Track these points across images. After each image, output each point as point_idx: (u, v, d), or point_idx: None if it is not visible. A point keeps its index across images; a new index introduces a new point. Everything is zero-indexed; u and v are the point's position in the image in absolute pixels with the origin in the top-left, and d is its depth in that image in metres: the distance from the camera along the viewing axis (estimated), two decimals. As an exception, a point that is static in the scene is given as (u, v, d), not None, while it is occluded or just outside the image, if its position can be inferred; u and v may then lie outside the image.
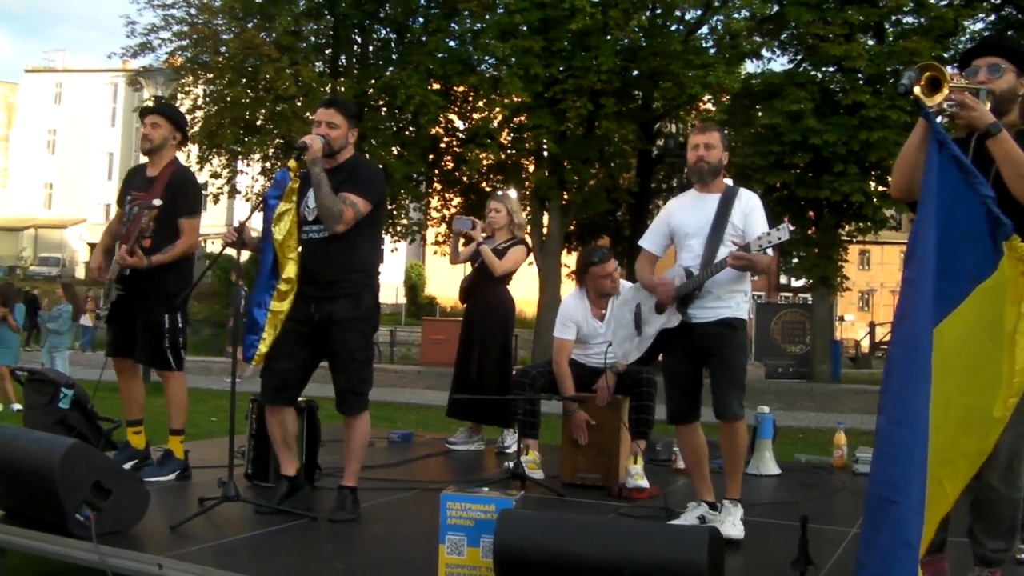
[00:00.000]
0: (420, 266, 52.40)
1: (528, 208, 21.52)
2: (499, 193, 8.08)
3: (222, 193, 24.88)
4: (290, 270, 5.06)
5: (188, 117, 23.30)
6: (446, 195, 26.00)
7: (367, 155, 21.53)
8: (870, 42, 22.01)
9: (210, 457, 6.56)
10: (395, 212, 25.00)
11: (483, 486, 4.30)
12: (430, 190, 25.90)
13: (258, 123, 23.14)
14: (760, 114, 22.49)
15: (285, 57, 21.29)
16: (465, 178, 24.37)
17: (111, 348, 6.27)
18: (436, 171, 24.86)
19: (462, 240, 8.05)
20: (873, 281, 56.76)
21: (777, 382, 22.04)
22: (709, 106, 23.30)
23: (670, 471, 6.98)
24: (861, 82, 20.97)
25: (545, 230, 23.10)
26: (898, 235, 36.79)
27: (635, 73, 22.28)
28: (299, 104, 21.67)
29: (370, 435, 5.50)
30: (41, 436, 4.94)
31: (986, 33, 21.85)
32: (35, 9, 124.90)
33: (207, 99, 23.74)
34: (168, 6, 23.10)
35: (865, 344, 36.26)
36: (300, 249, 5.11)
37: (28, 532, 4.49)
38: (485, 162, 22.69)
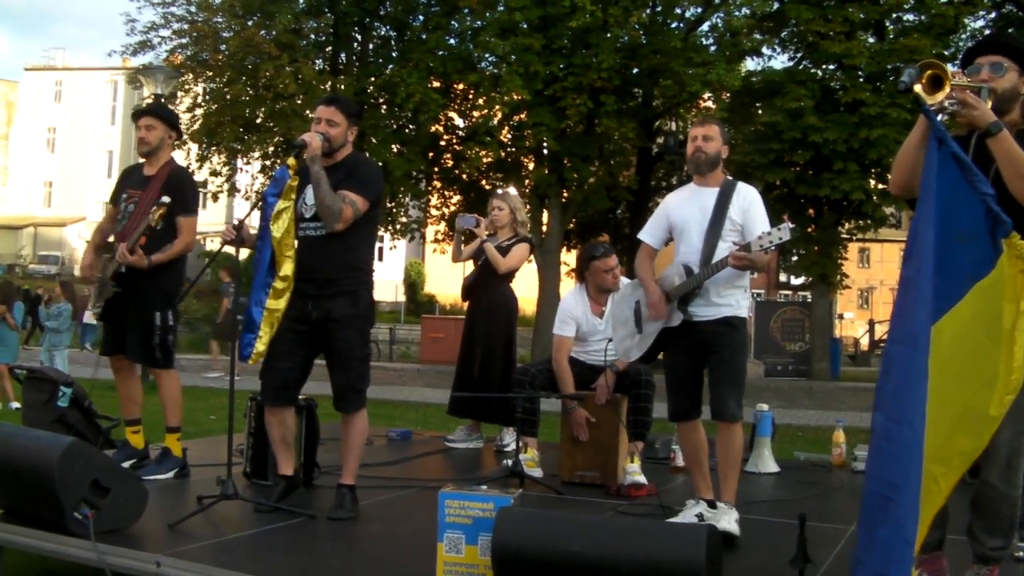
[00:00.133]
0: (419, 264, 52.39)
1: (528, 206, 21.49)
2: (501, 191, 8.06)
3: (222, 191, 24.88)
4: (287, 268, 5.05)
5: (188, 115, 23.43)
6: (446, 193, 26.00)
7: (367, 153, 21.54)
8: (870, 40, 22.01)
9: (209, 455, 6.55)
10: (394, 210, 24.99)
11: (482, 484, 4.30)
12: (430, 188, 25.90)
13: (258, 121, 23.14)
14: (760, 112, 22.51)
15: (285, 55, 21.28)
16: (465, 176, 24.36)
17: (107, 346, 6.26)
18: (436, 169, 24.87)
19: (464, 238, 8.04)
20: (873, 279, 56.78)
21: (776, 380, 22.03)
22: (709, 104, 23.30)
23: (669, 469, 6.97)
24: (861, 80, 20.98)
25: (545, 228, 23.10)
26: (898, 233, 36.79)
27: (635, 71, 22.28)
28: (299, 102, 21.66)
29: (368, 433, 5.49)
30: (40, 434, 4.94)
31: (987, 31, 21.86)
32: (35, 8, 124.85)
33: (207, 97, 23.74)
34: (168, 4, 23.11)
35: (864, 342, 36.24)
36: (296, 246, 5.11)
37: (27, 530, 4.48)
38: (485, 160, 22.69)
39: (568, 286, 7.15)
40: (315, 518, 5.08)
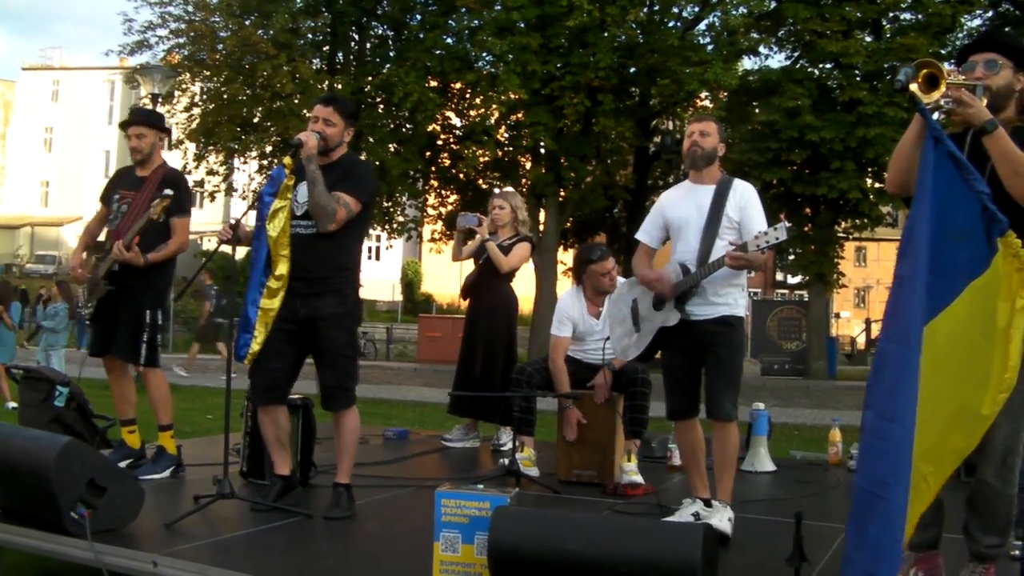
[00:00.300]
0: (417, 263, 52.36)
1: (525, 205, 21.52)
2: (503, 190, 8.07)
3: (219, 191, 24.87)
4: (282, 267, 5.05)
5: (185, 115, 23.41)
6: (443, 192, 26.01)
7: (364, 152, 21.56)
8: (867, 38, 22.04)
9: (206, 455, 6.55)
10: (391, 209, 24.99)
11: (478, 483, 4.30)
12: (427, 187, 25.90)
13: (255, 120, 23.15)
14: (757, 111, 22.55)
15: (282, 54, 21.27)
16: (462, 175, 24.37)
17: (97, 347, 6.25)
18: (433, 168, 24.87)
19: (464, 237, 8.03)
20: (869, 278, 56.78)
21: (773, 379, 22.06)
22: (706, 103, 23.33)
23: (665, 468, 6.98)
24: (858, 79, 21.01)
25: (542, 227, 23.12)
26: (894, 232, 36.79)
27: (632, 70, 22.31)
28: (296, 101, 21.66)
29: (360, 431, 5.47)
30: (36, 434, 4.94)
31: (984, 30, 21.86)
32: (35, 7, 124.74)
33: (204, 96, 23.75)
34: (165, 4, 23.10)
35: (861, 341, 36.28)
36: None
37: (24, 530, 4.48)
38: (482, 159, 22.70)
39: (565, 285, 7.15)
40: (312, 517, 5.08)
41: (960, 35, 21.80)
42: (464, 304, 8.10)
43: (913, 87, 3.49)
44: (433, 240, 26.88)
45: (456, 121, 24.91)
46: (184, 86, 23.80)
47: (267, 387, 5.28)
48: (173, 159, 19.94)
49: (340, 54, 24.70)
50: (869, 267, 56.63)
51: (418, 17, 24.01)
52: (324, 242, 5.12)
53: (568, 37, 21.13)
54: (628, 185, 24.35)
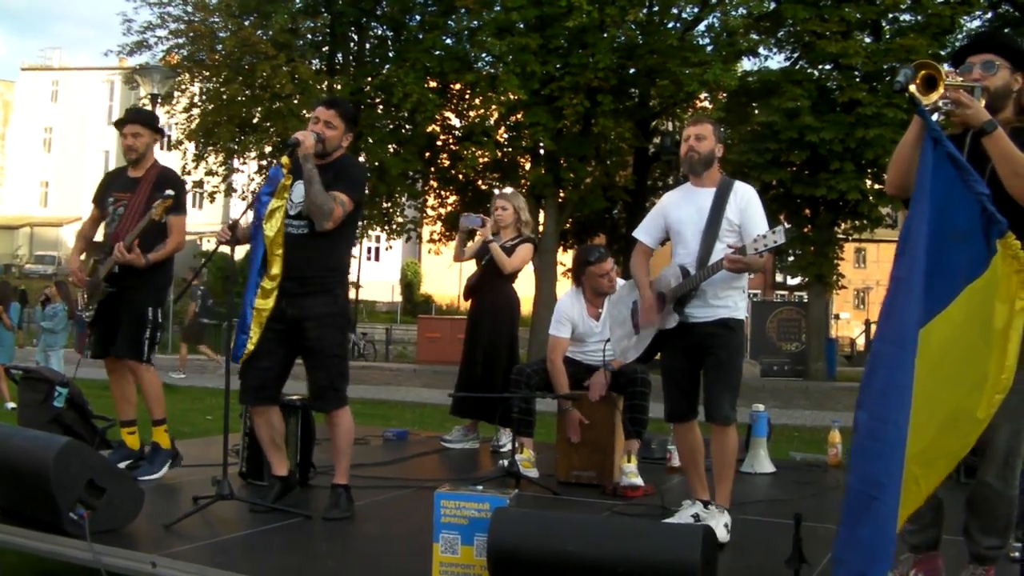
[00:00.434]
0: (416, 264, 52.34)
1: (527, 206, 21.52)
2: (505, 191, 8.06)
3: (218, 191, 24.86)
4: (276, 267, 5.03)
5: (184, 115, 23.41)
6: (442, 193, 25.99)
7: (363, 153, 21.56)
8: (867, 39, 22.03)
9: (205, 456, 6.55)
10: (391, 210, 24.99)
11: (478, 484, 4.30)
12: (426, 188, 25.89)
13: (254, 121, 23.14)
14: (757, 112, 22.53)
15: (282, 55, 21.27)
16: (461, 176, 24.36)
17: (98, 349, 6.25)
18: (432, 169, 24.86)
19: (465, 237, 8.02)
20: (869, 279, 56.75)
21: (772, 380, 22.06)
22: (706, 103, 23.33)
23: (665, 469, 6.97)
24: (858, 79, 21.00)
25: (541, 228, 23.10)
26: (894, 233, 36.65)
27: (632, 70, 22.29)
28: (296, 102, 21.66)
29: (354, 430, 5.46)
30: (35, 434, 4.94)
31: (983, 30, 21.85)
32: (34, 7, 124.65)
33: (203, 97, 23.75)
34: (164, 4, 23.10)
35: (860, 342, 36.27)
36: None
37: (23, 531, 4.48)
38: (482, 160, 22.69)
39: (564, 286, 7.15)
40: (311, 518, 5.08)
41: (959, 36, 21.77)
42: (466, 305, 8.09)
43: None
44: (432, 241, 26.87)
45: (455, 122, 24.90)
46: (183, 86, 23.80)
47: (257, 387, 5.26)
48: (172, 160, 19.98)
49: (339, 55, 24.70)
50: (869, 268, 56.61)
51: (417, 18, 24.01)
52: (315, 242, 5.12)
53: (567, 38, 21.12)
54: (628, 186, 24.34)
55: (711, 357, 4.89)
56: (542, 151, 22.58)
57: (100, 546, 4.21)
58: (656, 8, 22.97)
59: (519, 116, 22.00)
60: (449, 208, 25.65)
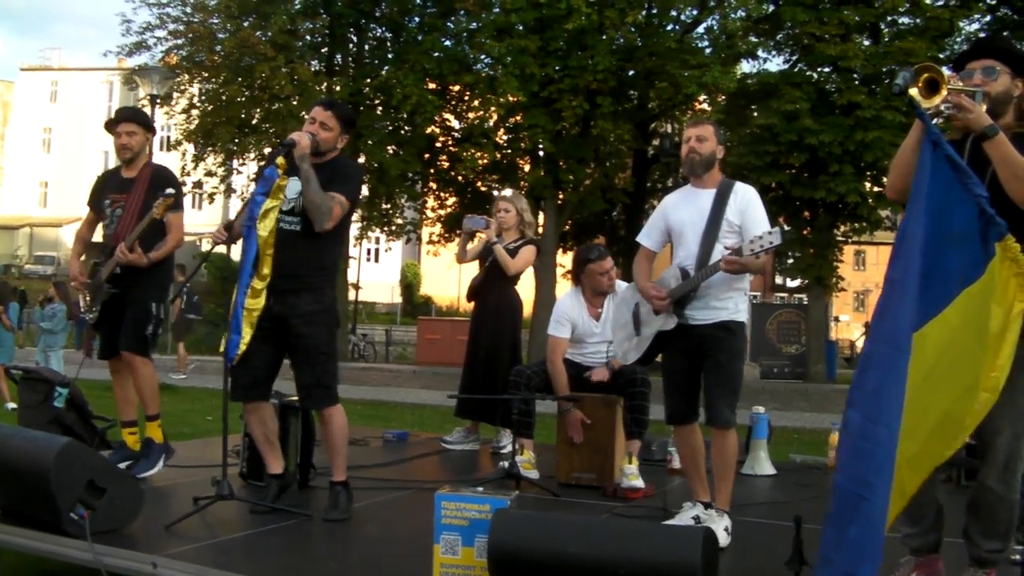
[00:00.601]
0: (416, 265, 52.29)
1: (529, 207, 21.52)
2: (508, 193, 8.06)
3: (217, 192, 24.87)
4: (267, 267, 5.02)
5: (183, 116, 23.42)
6: (442, 195, 25.98)
7: (362, 154, 21.56)
8: (866, 42, 22.03)
9: (205, 456, 6.55)
10: (391, 211, 24.99)
11: (478, 486, 4.30)
12: (426, 189, 25.88)
13: (254, 122, 23.15)
14: (756, 114, 22.51)
15: (281, 56, 21.27)
16: (461, 177, 24.36)
17: (104, 350, 6.26)
18: (432, 170, 24.84)
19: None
20: (868, 282, 56.75)
21: (772, 382, 22.05)
22: (705, 106, 23.35)
23: (665, 471, 6.97)
24: (857, 82, 21.00)
25: (540, 230, 23.08)
26: (893, 236, 36.72)
27: (631, 73, 22.29)
28: (295, 103, 21.66)
29: (348, 428, 5.42)
30: (36, 435, 4.94)
31: (982, 34, 21.88)
32: (34, 7, 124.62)
33: (203, 98, 23.74)
34: (164, 5, 23.11)
35: (860, 344, 36.26)
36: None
37: (23, 531, 4.48)
38: (481, 161, 22.70)
39: (564, 288, 7.15)
40: (311, 518, 5.09)
41: (958, 39, 21.78)
42: (466, 306, 8.10)
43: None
44: (432, 242, 26.86)
45: (455, 123, 24.90)
46: (182, 87, 23.80)
47: (248, 384, 5.26)
48: (171, 160, 19.97)
49: (338, 56, 24.69)
50: (868, 271, 56.62)
51: (417, 19, 24.01)
52: (307, 241, 5.12)
53: (567, 40, 21.12)
54: (627, 188, 24.35)
55: (711, 360, 4.88)
56: (541, 153, 22.58)
57: (101, 546, 4.21)
58: (655, 10, 22.97)
59: (518, 118, 22.01)
60: (448, 210, 25.64)
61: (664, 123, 26.61)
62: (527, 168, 23.48)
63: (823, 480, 6.91)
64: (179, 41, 23.07)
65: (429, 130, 23.35)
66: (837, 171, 20.52)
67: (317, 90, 22.01)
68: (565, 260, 24.58)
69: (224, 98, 22.68)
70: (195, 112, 23.61)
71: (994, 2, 22.39)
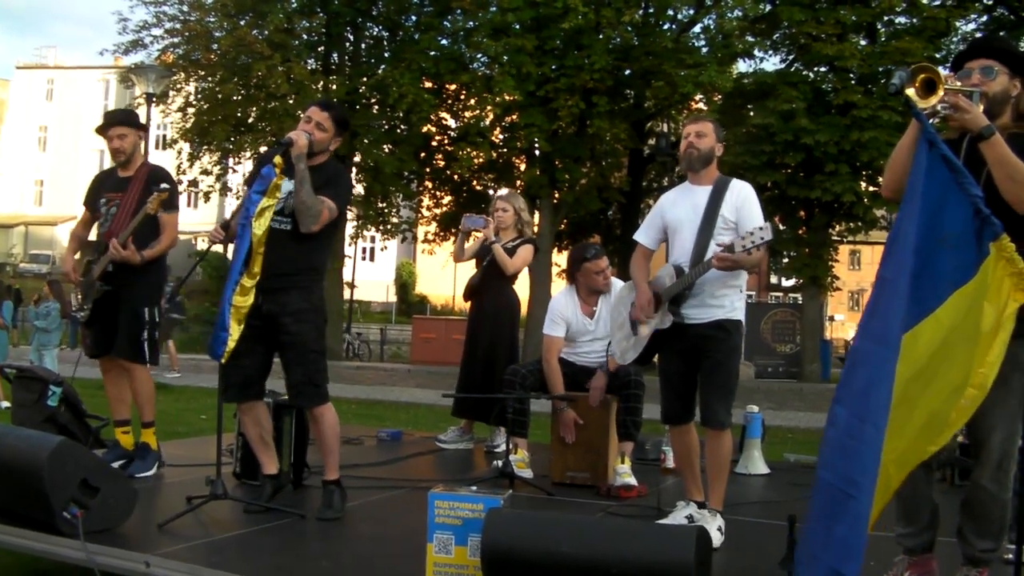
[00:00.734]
0: (411, 264, 52.31)
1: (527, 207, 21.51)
2: (505, 192, 8.06)
3: (213, 191, 24.84)
4: (258, 265, 5.01)
5: (179, 114, 23.39)
6: (437, 193, 25.97)
7: (358, 152, 21.55)
8: (862, 42, 22.03)
9: (199, 455, 6.55)
10: (386, 210, 24.98)
11: (472, 485, 4.30)
12: (421, 188, 25.87)
13: (250, 121, 23.11)
14: (752, 114, 22.51)
15: (277, 55, 21.25)
16: (456, 176, 24.34)
17: (94, 348, 6.26)
18: (427, 169, 24.83)
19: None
20: (863, 281, 56.79)
21: (767, 382, 22.05)
22: (701, 105, 23.30)
23: (659, 470, 6.98)
24: (853, 82, 20.99)
25: (536, 229, 23.05)
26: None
27: (627, 72, 22.28)
28: (291, 102, 21.62)
29: (339, 425, 5.41)
30: (29, 434, 4.93)
31: (978, 34, 21.89)
32: (31, 6, 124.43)
33: (199, 96, 23.70)
34: (160, 3, 23.08)
35: (855, 344, 36.23)
36: None
37: (16, 530, 4.47)
38: (477, 161, 22.67)
39: (559, 287, 7.14)
40: (305, 518, 5.08)
41: (954, 39, 21.79)
42: (461, 305, 8.10)
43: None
44: (427, 241, 26.83)
45: (451, 122, 24.88)
46: (178, 86, 23.75)
47: (240, 384, 5.26)
48: (167, 159, 19.95)
49: (335, 55, 24.68)
50: (863, 270, 56.68)
51: (413, 18, 23.99)
52: (296, 241, 5.13)
53: (563, 39, 21.11)
54: (623, 187, 24.31)
55: (707, 360, 4.87)
56: (537, 152, 22.56)
57: (94, 546, 4.20)
58: (652, 10, 22.96)
59: (514, 117, 21.98)
60: (444, 208, 25.63)
61: (660, 123, 26.59)
62: (523, 167, 23.46)
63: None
64: (175, 39, 23.04)
65: (425, 129, 23.34)
66: (833, 171, 20.52)
67: (313, 89, 21.99)
68: (561, 259, 24.55)
69: (220, 97, 22.64)
70: (191, 111, 23.57)
71: (991, 2, 22.38)
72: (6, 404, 11.27)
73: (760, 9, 21.67)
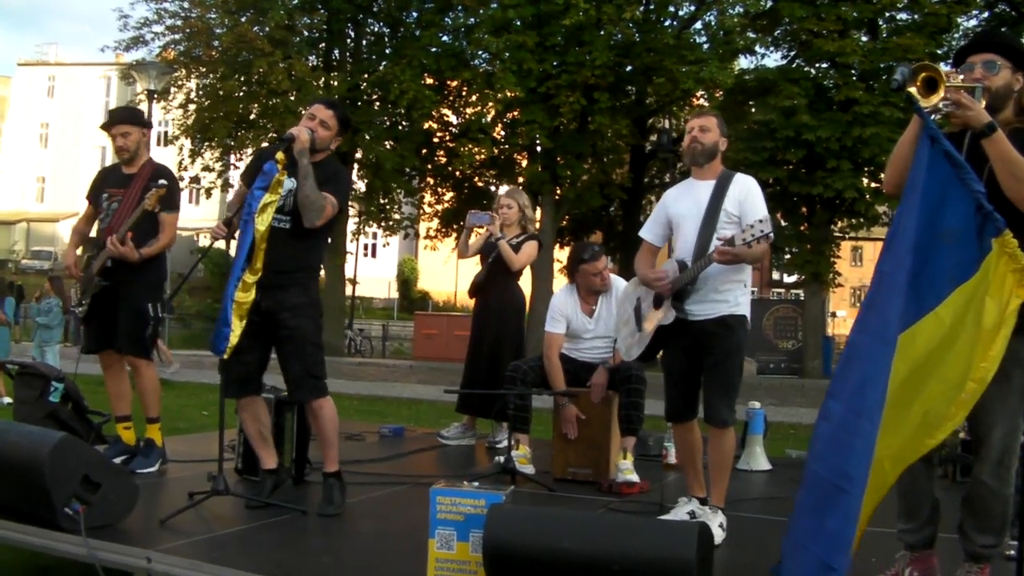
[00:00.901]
0: (413, 260, 52.29)
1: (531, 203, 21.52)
2: (509, 189, 8.06)
3: (214, 187, 24.85)
4: (260, 261, 5.01)
5: (180, 111, 23.40)
6: (439, 190, 25.98)
7: (360, 149, 21.55)
8: (864, 38, 22.04)
9: (200, 451, 6.55)
10: (388, 206, 24.98)
11: (473, 481, 4.29)
12: (423, 184, 25.87)
13: (251, 117, 23.13)
14: (753, 110, 22.54)
15: (278, 51, 21.26)
16: (458, 173, 24.35)
17: (94, 344, 6.25)
18: (429, 166, 24.84)
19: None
20: (865, 277, 56.51)
21: (769, 378, 22.07)
22: (702, 101, 23.32)
23: (661, 466, 6.97)
24: (854, 78, 21.01)
25: (538, 225, 23.02)
26: (890, 231, 36.75)
27: (628, 68, 22.31)
28: (292, 98, 21.64)
29: (338, 419, 5.41)
30: (31, 430, 4.92)
31: (980, 30, 21.86)
32: (32, 3, 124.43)
33: (200, 93, 23.72)
34: (161, 0, 23.08)
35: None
36: None
37: (17, 526, 4.46)
38: (478, 157, 22.71)
39: (561, 283, 7.14)
40: (306, 514, 5.08)
41: (956, 35, 21.80)
42: (464, 302, 8.10)
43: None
44: (429, 237, 26.86)
45: (452, 119, 24.89)
46: (180, 82, 23.77)
47: (241, 379, 5.26)
48: (168, 156, 19.93)
49: (336, 51, 24.69)
50: (865, 267, 56.59)
51: (414, 14, 24.01)
52: (295, 238, 5.13)
53: (564, 35, 21.13)
54: (624, 183, 24.34)
55: (710, 357, 4.84)
56: (539, 148, 22.59)
57: (95, 541, 4.20)
58: (653, 6, 22.98)
59: (516, 113, 22.01)
60: (446, 205, 25.65)
61: (662, 119, 26.61)
62: (524, 164, 23.48)
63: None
64: (176, 36, 23.08)
65: (426, 125, 23.38)
66: (834, 167, 20.54)
67: (314, 85, 22.00)
68: (563, 256, 24.53)
69: (221, 93, 22.66)
70: (192, 107, 23.61)
71: (992, -2, 22.43)
72: (8, 400, 11.28)
73: (761, 5, 21.69)
